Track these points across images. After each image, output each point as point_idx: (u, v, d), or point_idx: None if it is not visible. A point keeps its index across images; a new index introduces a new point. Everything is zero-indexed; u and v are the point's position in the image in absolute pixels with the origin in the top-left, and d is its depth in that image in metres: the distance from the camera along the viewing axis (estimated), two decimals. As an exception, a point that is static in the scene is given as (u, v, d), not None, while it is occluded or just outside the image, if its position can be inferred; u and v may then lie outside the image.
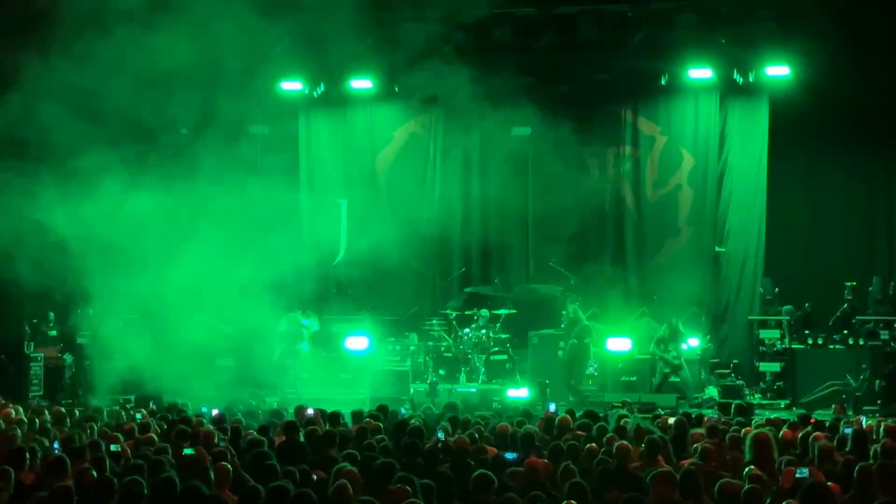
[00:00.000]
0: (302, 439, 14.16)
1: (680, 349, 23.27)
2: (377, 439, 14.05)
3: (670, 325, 23.40)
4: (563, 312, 24.07)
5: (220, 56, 21.24)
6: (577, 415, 16.77)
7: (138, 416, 17.16)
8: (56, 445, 13.35)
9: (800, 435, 14.27)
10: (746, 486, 10.93)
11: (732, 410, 17.75)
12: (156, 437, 14.35)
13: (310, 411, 16.75)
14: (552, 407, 19.71)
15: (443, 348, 24.94)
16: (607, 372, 23.96)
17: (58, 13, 19.96)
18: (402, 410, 18.33)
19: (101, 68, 19.94)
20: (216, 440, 13.87)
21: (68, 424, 15.81)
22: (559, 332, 24.09)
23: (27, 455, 12.16)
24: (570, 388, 23.44)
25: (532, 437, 13.88)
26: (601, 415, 17.05)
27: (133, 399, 21.13)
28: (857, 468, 11.41)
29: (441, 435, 14.08)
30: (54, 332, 24.10)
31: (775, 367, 23.66)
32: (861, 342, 22.93)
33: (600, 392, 23.45)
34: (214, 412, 17.18)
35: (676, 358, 23.15)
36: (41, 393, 23.29)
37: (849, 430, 14.09)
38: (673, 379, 23.20)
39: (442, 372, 24.59)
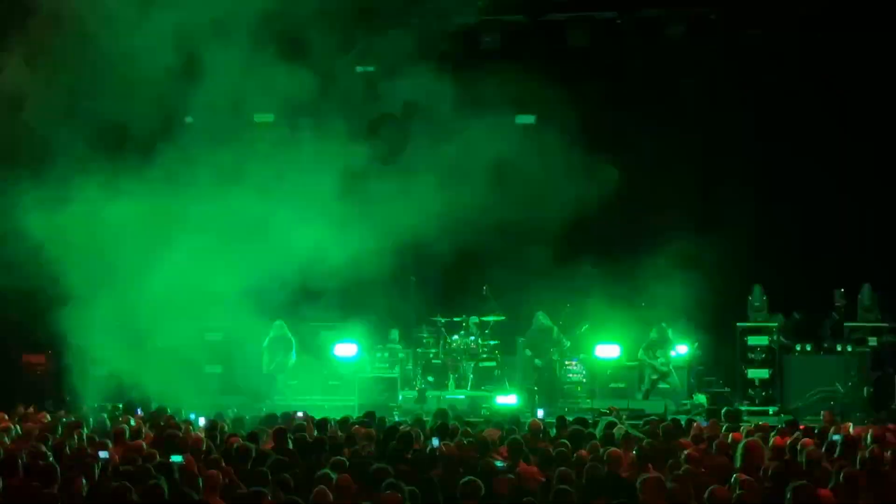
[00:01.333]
0: (291, 446, 14.15)
1: (669, 355, 23.30)
2: (365, 446, 14.06)
3: (659, 331, 23.44)
4: (534, 321, 24.33)
5: (198, 56, 21.24)
6: (569, 421, 16.78)
7: (131, 422, 17.11)
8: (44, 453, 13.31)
9: (788, 442, 14.31)
10: (735, 493, 10.94)
11: (721, 417, 17.74)
12: (144, 444, 14.31)
13: (300, 415, 16.77)
14: (540, 413, 19.78)
15: (431, 355, 24.91)
16: (596, 378, 23.99)
17: (38, 16, 19.91)
18: (397, 417, 18.34)
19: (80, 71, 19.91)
20: (205, 447, 13.85)
21: (56, 431, 15.76)
22: (531, 339, 24.29)
23: (18, 462, 12.13)
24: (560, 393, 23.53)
25: (520, 445, 13.87)
26: (590, 421, 17.07)
27: (121, 406, 21.08)
28: (841, 474, 11.45)
29: (436, 442, 14.10)
30: (43, 340, 23.99)
31: (764, 373, 23.67)
32: (850, 349, 22.95)
33: (589, 398, 23.51)
34: (202, 420, 17.16)
35: (665, 364, 23.17)
36: (28, 400, 23.19)
37: (837, 437, 14.12)
38: (662, 385, 23.23)
39: (430, 379, 24.59)
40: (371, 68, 25.58)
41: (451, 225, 26.37)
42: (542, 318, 24.41)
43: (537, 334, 24.18)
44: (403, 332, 25.66)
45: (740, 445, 12.95)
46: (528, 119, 25.93)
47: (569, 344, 24.19)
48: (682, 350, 23.92)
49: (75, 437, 14.82)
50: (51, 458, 12.58)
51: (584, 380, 24.07)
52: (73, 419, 17.35)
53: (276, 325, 24.11)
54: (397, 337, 25.39)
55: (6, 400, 21.87)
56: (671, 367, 23.26)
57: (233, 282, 21.80)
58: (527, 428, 15.72)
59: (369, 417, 16.96)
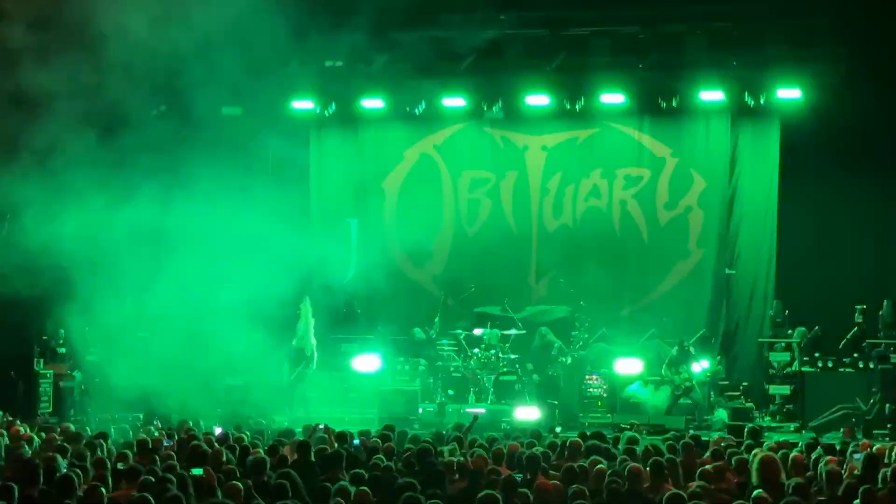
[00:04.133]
0: (312, 458, 14.16)
1: (691, 371, 23.24)
2: (385, 459, 14.05)
3: (681, 346, 23.38)
4: (537, 336, 24.43)
5: (231, 72, 21.28)
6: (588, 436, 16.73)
7: (154, 432, 17.17)
8: (65, 463, 13.35)
9: (811, 459, 14.26)
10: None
11: (745, 434, 17.63)
12: (164, 456, 14.33)
13: (321, 427, 16.77)
14: (557, 429, 19.76)
15: (452, 368, 24.89)
16: (616, 393, 23.93)
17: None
18: (416, 428, 18.33)
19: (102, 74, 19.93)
20: (224, 459, 13.86)
21: (78, 442, 15.80)
22: (532, 354, 24.39)
23: (40, 472, 12.16)
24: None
25: (538, 459, 13.82)
26: (610, 437, 17.01)
27: (142, 416, 21.14)
28: (861, 491, 11.39)
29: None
30: (63, 350, 24.09)
31: (785, 389, 23.60)
32: (871, 365, 22.84)
33: (609, 413, 23.47)
34: (218, 431, 17.17)
35: (687, 380, 23.12)
36: (50, 410, 23.30)
37: (858, 456, 14.04)
38: (684, 401, 23.16)
39: (451, 392, 24.56)
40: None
41: (474, 237, 26.52)
42: (544, 334, 24.53)
43: (538, 350, 24.32)
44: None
45: (755, 461, 12.90)
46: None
47: (570, 361, 24.22)
48: (703, 365, 23.80)
49: (96, 447, 14.85)
50: (74, 469, 12.60)
51: (605, 395, 24.00)
52: (94, 430, 17.39)
53: (297, 336, 24.13)
54: (422, 335, 25.40)
55: (28, 410, 22.00)
56: (694, 383, 23.20)
57: (253, 293, 21.83)
58: (567, 446, 15.64)
59: (389, 431, 16.93)
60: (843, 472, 13.28)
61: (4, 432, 16.36)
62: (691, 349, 23.51)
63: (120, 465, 13.20)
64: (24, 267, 20.21)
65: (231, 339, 23.33)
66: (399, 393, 23.92)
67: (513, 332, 25.07)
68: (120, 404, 22.21)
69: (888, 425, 21.83)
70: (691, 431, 19.86)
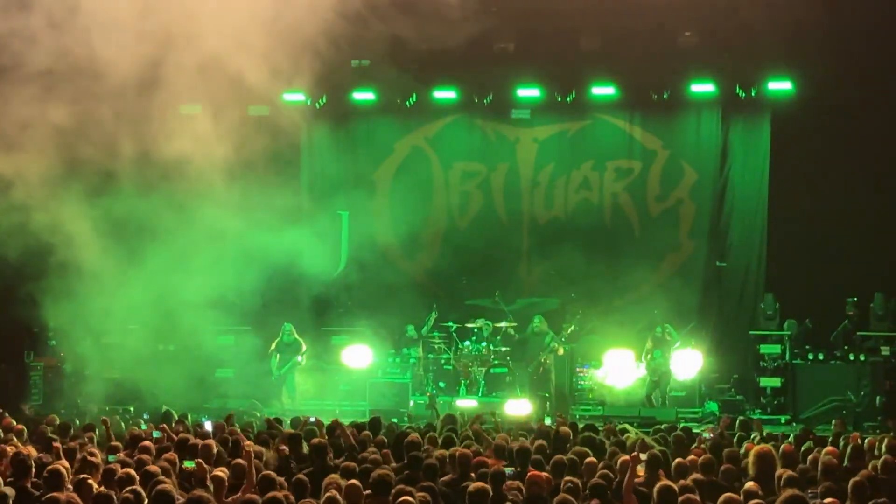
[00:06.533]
0: (305, 451, 14.15)
1: (666, 357, 23.22)
2: (374, 452, 14.04)
3: (653, 334, 23.36)
4: (530, 325, 24.36)
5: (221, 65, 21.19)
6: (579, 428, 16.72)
7: (142, 425, 17.14)
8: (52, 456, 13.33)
9: (801, 450, 14.25)
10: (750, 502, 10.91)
11: (737, 426, 17.63)
12: (154, 448, 14.29)
13: (312, 420, 16.76)
14: (547, 421, 19.76)
15: (443, 361, 24.86)
16: (607, 385, 23.94)
17: None
18: (406, 420, 18.32)
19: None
20: (215, 451, 13.83)
21: (67, 434, 15.76)
22: (523, 343, 24.36)
23: (31, 464, 12.14)
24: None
25: (528, 451, 13.81)
26: (601, 429, 16.99)
27: (132, 409, 21.11)
28: (851, 483, 11.39)
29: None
30: (53, 342, 24.02)
31: (776, 382, 23.60)
32: (862, 358, 22.89)
33: (600, 405, 23.47)
34: (208, 424, 17.15)
35: (662, 365, 23.11)
36: (40, 402, 23.25)
37: (849, 447, 14.04)
38: (675, 394, 23.18)
39: (442, 384, 24.54)
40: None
41: (465, 230, 26.50)
42: (536, 323, 24.46)
43: (530, 338, 24.28)
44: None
45: (751, 452, 12.89)
46: (523, 114, 26.02)
47: (562, 351, 24.19)
48: (693, 358, 23.77)
49: (86, 440, 14.83)
50: (63, 461, 12.57)
51: (596, 387, 24.02)
52: (85, 422, 17.37)
53: (285, 329, 24.12)
54: (414, 333, 25.30)
55: (17, 402, 21.93)
56: (669, 369, 23.22)
57: (242, 286, 21.82)
58: (553, 437, 15.62)
59: (375, 423, 16.87)
60: (834, 463, 13.26)
61: (-6, 425, 16.33)
62: (670, 335, 23.47)
63: (110, 458, 13.15)
64: (14, 258, 20.17)
65: (219, 331, 23.37)
66: (390, 385, 23.94)
67: (504, 324, 25.04)
68: (110, 397, 22.19)
69: (878, 417, 21.86)
70: (682, 424, 19.85)
